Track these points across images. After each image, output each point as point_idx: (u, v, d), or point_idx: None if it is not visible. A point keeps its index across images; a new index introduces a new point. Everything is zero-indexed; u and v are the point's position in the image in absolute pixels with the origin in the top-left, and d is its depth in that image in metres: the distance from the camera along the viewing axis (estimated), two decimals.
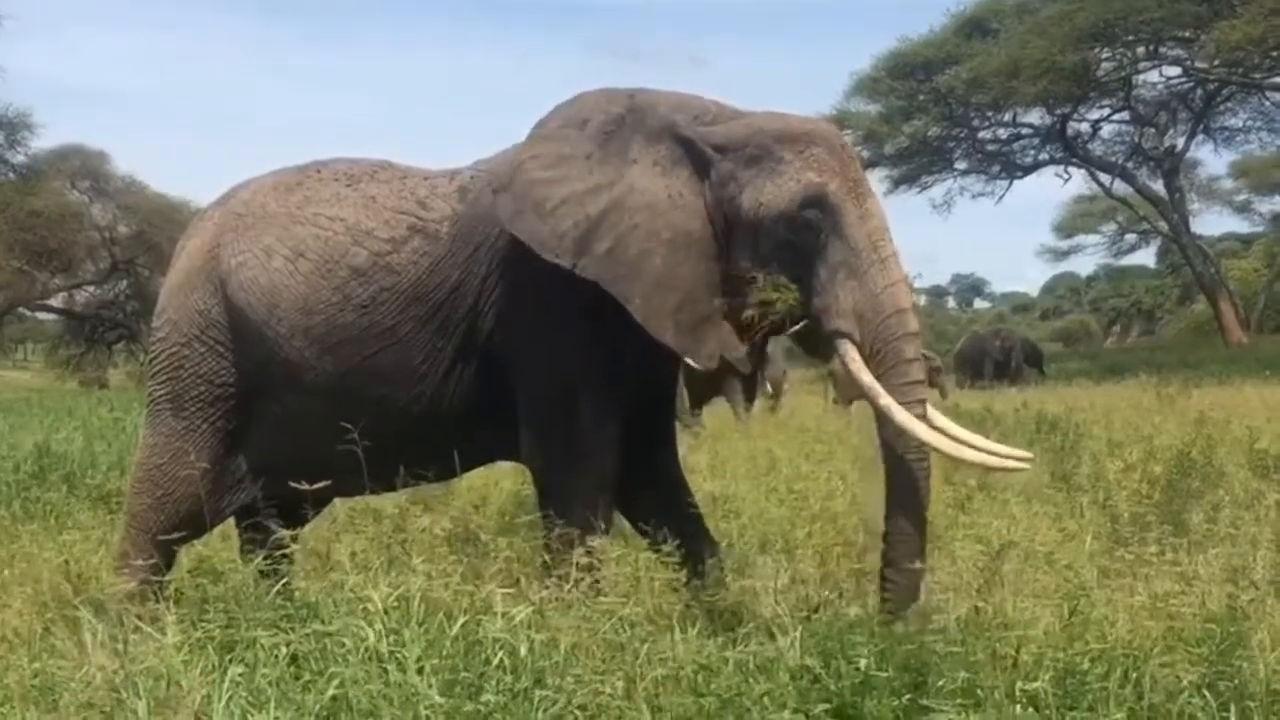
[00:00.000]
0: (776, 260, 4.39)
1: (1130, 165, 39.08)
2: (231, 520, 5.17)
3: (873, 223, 4.38)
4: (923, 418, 4.27)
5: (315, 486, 4.39)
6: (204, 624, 3.83)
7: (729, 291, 4.47)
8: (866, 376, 4.27)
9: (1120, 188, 40.16)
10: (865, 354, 4.30)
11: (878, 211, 4.44)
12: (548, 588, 3.97)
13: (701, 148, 4.50)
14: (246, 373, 4.82)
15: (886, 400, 4.22)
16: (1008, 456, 4.46)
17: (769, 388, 15.19)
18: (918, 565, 4.17)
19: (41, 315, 42.86)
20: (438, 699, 3.23)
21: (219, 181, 5.60)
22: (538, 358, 4.57)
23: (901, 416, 4.21)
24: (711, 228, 4.48)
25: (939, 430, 4.32)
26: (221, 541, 5.46)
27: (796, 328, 4.44)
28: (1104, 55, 34.36)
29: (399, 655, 3.40)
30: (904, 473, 4.28)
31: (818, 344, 4.51)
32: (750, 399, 14.63)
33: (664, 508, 4.76)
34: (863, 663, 3.47)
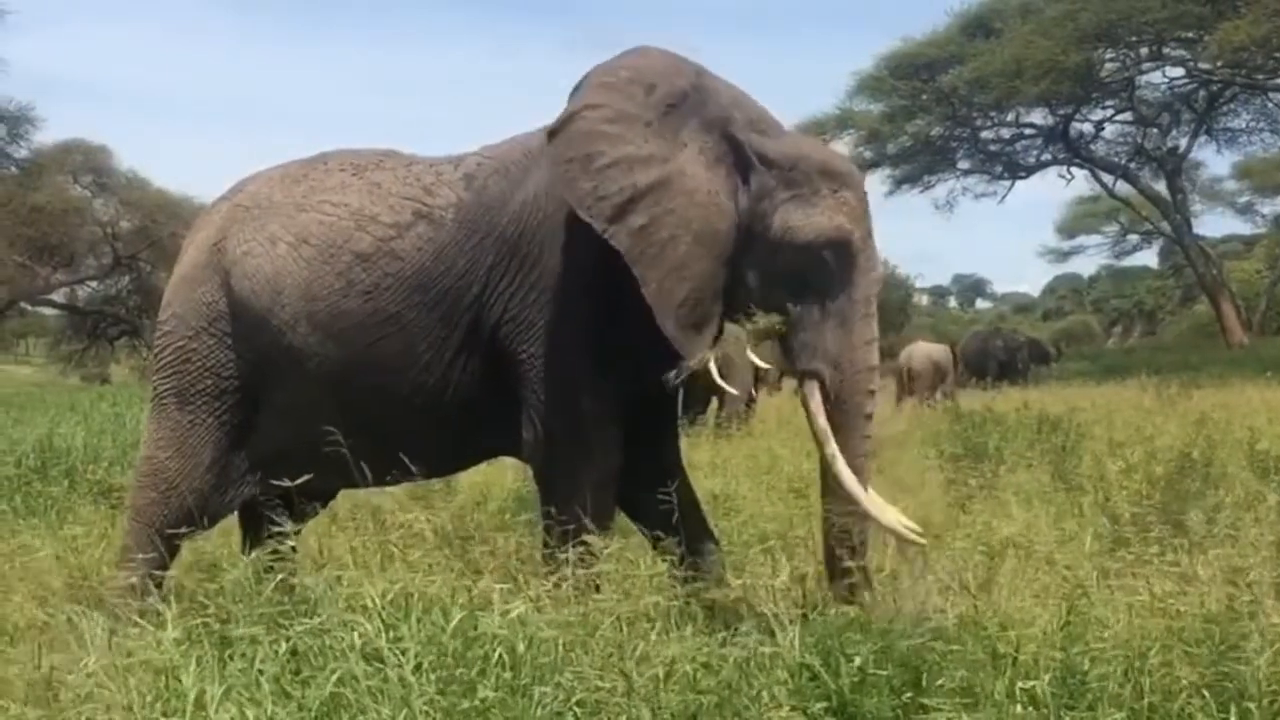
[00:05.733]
0: (781, 283, 4.44)
1: (1133, 166, 38.97)
2: (235, 514, 5.15)
3: (872, 276, 4.51)
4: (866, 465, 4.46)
5: (307, 480, 4.38)
6: (203, 619, 3.83)
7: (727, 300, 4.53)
8: (822, 421, 4.40)
9: (1123, 189, 40.07)
10: (830, 398, 4.41)
11: (876, 264, 4.57)
12: (546, 585, 3.97)
13: (749, 154, 4.51)
14: (251, 363, 4.81)
15: (832, 449, 4.37)
16: (909, 530, 4.44)
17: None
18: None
19: (43, 310, 42.75)
20: (435, 695, 3.23)
21: (222, 176, 5.59)
22: (542, 352, 4.56)
23: (841, 469, 4.35)
24: (735, 233, 4.50)
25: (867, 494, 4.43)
26: (223, 536, 5.45)
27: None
28: (1107, 56, 34.24)
29: (396, 651, 3.40)
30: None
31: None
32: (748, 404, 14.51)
33: (666, 504, 4.75)
34: (861, 661, 3.47)
